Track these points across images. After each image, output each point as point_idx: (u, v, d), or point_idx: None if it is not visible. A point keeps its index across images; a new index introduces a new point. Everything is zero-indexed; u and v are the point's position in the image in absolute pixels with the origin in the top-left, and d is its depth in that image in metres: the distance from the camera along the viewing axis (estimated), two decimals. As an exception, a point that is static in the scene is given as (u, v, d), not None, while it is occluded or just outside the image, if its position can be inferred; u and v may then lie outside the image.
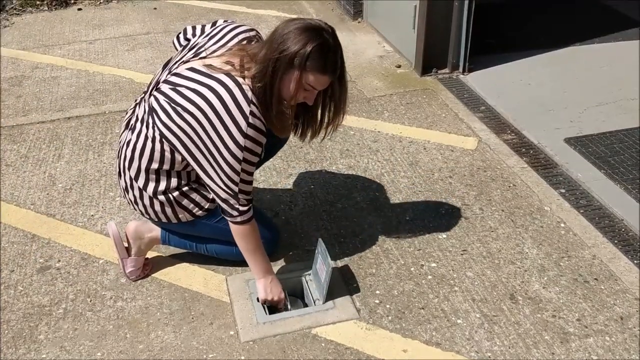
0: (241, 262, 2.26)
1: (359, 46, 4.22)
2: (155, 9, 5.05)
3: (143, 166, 2.02)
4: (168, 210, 2.09)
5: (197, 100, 1.87)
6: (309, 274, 2.24)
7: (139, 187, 2.07)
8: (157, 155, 1.98)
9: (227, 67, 1.90)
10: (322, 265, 2.11)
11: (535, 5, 4.81)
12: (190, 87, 1.89)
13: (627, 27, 4.34)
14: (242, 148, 1.86)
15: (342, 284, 2.21)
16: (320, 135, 2.06)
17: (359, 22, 4.63)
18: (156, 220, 2.14)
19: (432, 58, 3.72)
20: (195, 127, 1.87)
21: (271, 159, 2.86)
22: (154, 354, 1.96)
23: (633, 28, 4.31)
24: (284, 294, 2.11)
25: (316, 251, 2.18)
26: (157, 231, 2.25)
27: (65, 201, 2.69)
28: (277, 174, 2.85)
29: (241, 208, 1.96)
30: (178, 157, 1.97)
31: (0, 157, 3.03)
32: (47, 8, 5.07)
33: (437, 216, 2.55)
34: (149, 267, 2.29)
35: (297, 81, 1.85)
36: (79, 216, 2.60)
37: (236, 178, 1.90)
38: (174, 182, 2.05)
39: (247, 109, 1.84)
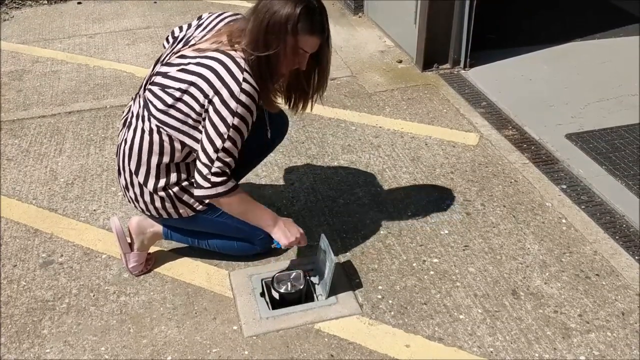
0: (244, 257, 2.28)
1: (360, 41, 4.22)
2: (155, 2, 5.04)
3: (143, 160, 2.02)
4: (168, 205, 2.09)
5: (188, 77, 1.89)
6: (312, 269, 2.24)
7: (139, 183, 2.07)
8: (156, 147, 1.98)
9: (216, 45, 1.91)
10: (325, 260, 2.12)
11: (535, 0, 4.80)
12: (180, 69, 1.92)
13: (627, 22, 4.34)
14: (234, 113, 1.84)
15: (345, 279, 2.22)
16: (311, 103, 2.06)
17: (359, 17, 4.62)
18: (157, 216, 2.14)
19: (433, 53, 3.72)
20: (189, 101, 1.88)
21: (272, 154, 2.87)
22: (158, 348, 1.97)
23: (633, 24, 4.32)
24: (301, 230, 2.11)
25: (319, 246, 2.19)
26: (159, 226, 2.25)
27: (67, 196, 2.69)
28: (278, 169, 2.85)
29: (213, 179, 1.91)
30: (177, 146, 1.97)
31: (1, 152, 3.02)
32: (46, 1, 5.05)
33: (439, 212, 2.56)
34: (151, 262, 2.29)
35: (292, 46, 1.85)
36: (81, 211, 2.60)
37: (219, 143, 1.87)
38: (173, 177, 2.05)
39: (239, 76, 1.84)
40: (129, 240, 2.24)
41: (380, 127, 3.19)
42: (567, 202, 2.60)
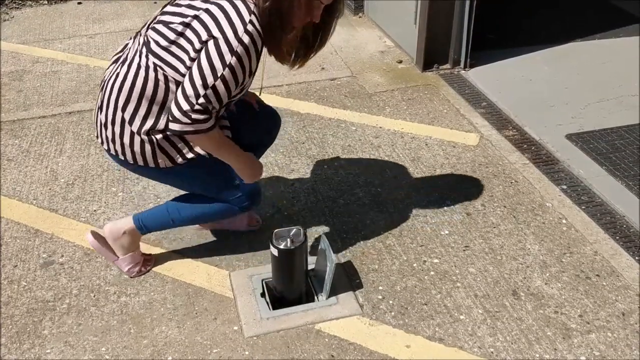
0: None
1: (360, 41, 4.22)
2: (155, 2, 5.04)
3: (134, 97, 1.91)
4: (148, 150, 1.97)
5: (193, 13, 1.81)
6: (312, 270, 2.24)
7: (122, 120, 1.94)
8: (150, 85, 1.89)
9: None
10: (325, 261, 2.12)
11: (536, 0, 4.80)
12: (187, 5, 1.85)
13: (627, 23, 4.34)
14: (233, 52, 1.77)
15: (345, 279, 2.22)
16: (308, 59, 2.02)
17: (359, 17, 4.62)
18: (132, 162, 2.01)
19: (433, 53, 3.72)
20: (190, 36, 1.81)
21: (272, 154, 2.87)
22: (158, 349, 1.97)
23: (634, 24, 4.32)
24: (262, 169, 2.10)
25: (319, 247, 2.19)
26: (130, 223, 2.18)
27: (67, 196, 2.69)
28: (279, 169, 2.86)
29: (194, 116, 1.80)
30: (172, 87, 1.88)
31: (2, 152, 3.02)
32: (46, 2, 5.05)
33: (439, 212, 2.56)
34: (151, 262, 2.29)
35: None
36: (81, 211, 2.60)
37: (210, 80, 1.78)
38: (162, 122, 1.93)
39: (246, 17, 1.78)
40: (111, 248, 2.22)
41: (380, 127, 3.19)
42: (568, 203, 2.61)
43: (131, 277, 2.23)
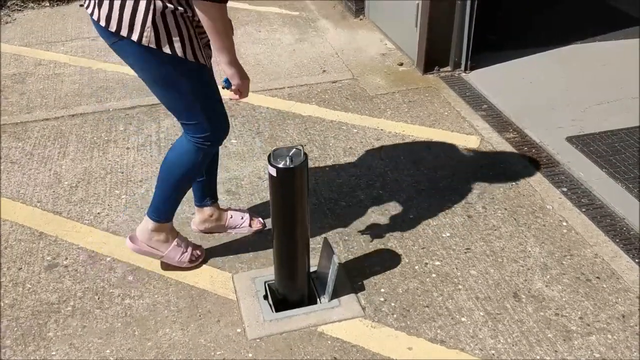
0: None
1: (361, 44, 4.23)
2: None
3: None
4: (139, 15, 1.79)
5: None
6: (315, 272, 2.25)
7: None
8: None
9: None
10: (327, 263, 2.13)
11: (536, 2, 4.82)
12: None
13: (628, 25, 4.36)
14: None
15: (347, 282, 2.24)
16: None
17: (360, 20, 4.64)
18: (114, 30, 1.83)
19: (434, 56, 3.74)
20: None
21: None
22: (162, 351, 1.98)
23: (634, 26, 4.33)
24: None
25: (321, 249, 2.21)
26: (149, 222, 2.16)
27: (71, 199, 2.71)
28: (281, 172, 2.87)
29: None
30: None
31: (6, 155, 3.04)
32: (48, 4, 5.07)
33: (441, 214, 2.57)
34: (198, 245, 2.32)
35: None
36: (85, 214, 2.61)
37: None
38: None
39: None
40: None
41: (381, 129, 3.21)
42: (568, 205, 2.62)
43: (189, 266, 2.25)
